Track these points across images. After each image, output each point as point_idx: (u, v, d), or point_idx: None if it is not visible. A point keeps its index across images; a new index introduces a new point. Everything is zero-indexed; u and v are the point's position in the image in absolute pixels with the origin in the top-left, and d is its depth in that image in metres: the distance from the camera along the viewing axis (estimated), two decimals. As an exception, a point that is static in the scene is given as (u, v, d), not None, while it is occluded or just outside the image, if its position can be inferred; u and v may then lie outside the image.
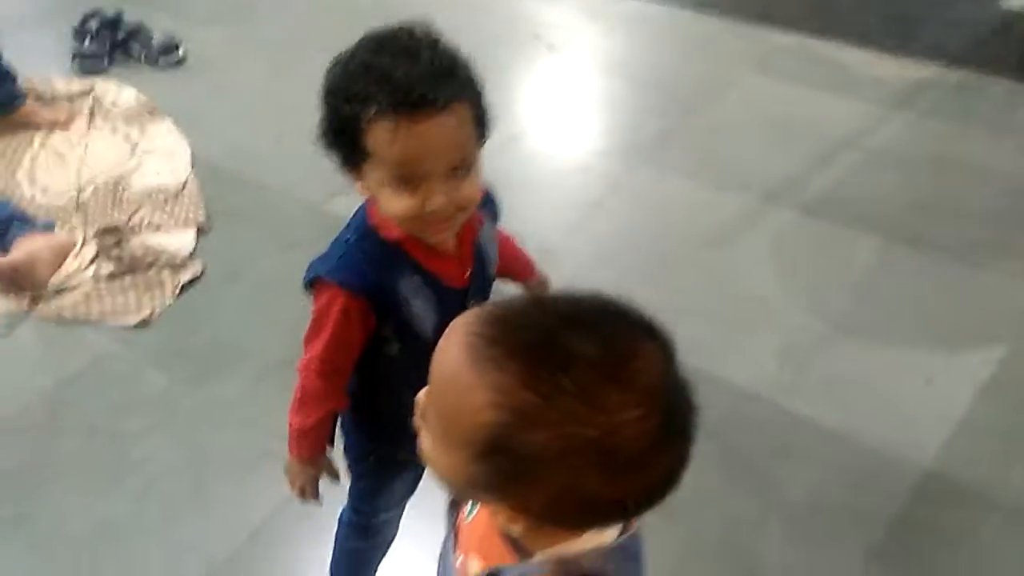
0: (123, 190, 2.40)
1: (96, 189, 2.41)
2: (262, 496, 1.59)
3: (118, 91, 2.81)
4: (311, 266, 1.02)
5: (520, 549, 0.71)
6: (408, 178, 0.91)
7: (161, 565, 1.53)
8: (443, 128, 0.90)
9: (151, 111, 2.73)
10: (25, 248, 2.08)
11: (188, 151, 2.55)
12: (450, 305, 1.02)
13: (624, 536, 0.71)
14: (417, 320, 1.03)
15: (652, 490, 0.63)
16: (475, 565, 0.76)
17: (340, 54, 0.94)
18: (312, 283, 1.02)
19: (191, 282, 2.12)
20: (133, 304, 2.06)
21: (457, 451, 0.64)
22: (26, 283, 2.07)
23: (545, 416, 0.59)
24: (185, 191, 2.39)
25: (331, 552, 1.37)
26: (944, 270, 2.04)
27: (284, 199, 2.40)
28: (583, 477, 0.60)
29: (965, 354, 1.85)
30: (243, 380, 1.86)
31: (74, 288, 2.10)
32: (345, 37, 0.95)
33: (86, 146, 2.60)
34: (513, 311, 0.65)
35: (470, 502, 0.81)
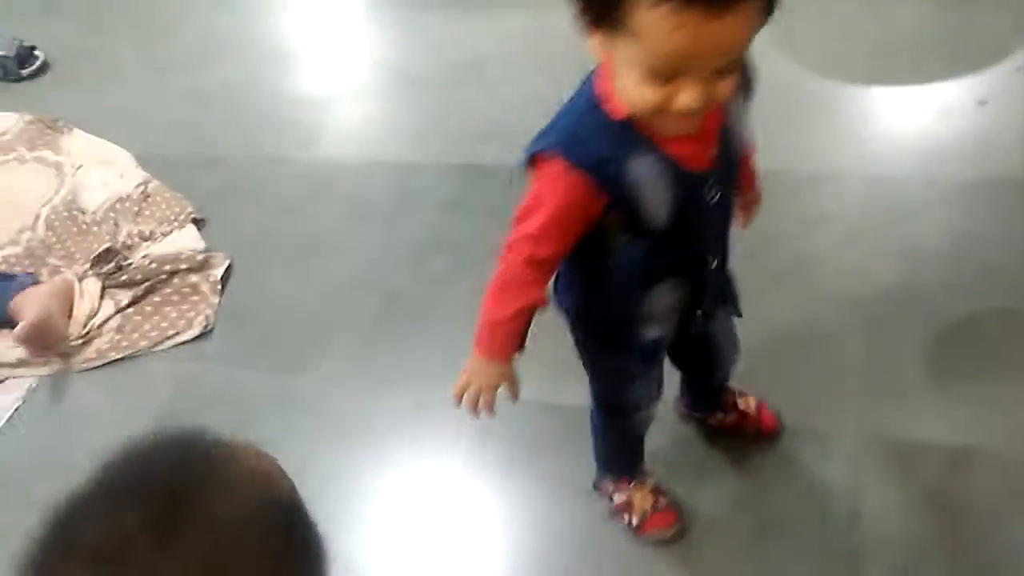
0: (80, 213, 2.14)
1: (48, 221, 2.13)
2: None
3: (-4, 119, 2.45)
4: (531, 143, 0.94)
5: None
6: (667, 72, 0.82)
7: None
8: (733, 29, 0.78)
9: (51, 126, 2.40)
10: (32, 305, 1.82)
11: (127, 153, 2.28)
12: (689, 191, 0.96)
13: None
14: (649, 207, 0.95)
15: None
16: None
17: None
18: (531, 159, 0.94)
19: (225, 275, 1.94)
20: (179, 319, 1.87)
21: None
22: (50, 341, 1.83)
23: None
24: (152, 193, 2.15)
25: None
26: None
27: (255, 163, 2.22)
28: None
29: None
30: (341, 346, 1.76)
31: (101, 327, 1.88)
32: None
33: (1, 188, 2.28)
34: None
35: None
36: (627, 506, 1.42)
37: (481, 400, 1.05)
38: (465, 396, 1.06)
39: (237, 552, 0.58)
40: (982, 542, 1.31)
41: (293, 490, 0.65)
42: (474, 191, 1.97)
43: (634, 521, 1.41)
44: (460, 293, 1.56)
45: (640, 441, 1.39)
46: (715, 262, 1.08)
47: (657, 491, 1.42)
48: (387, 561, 1.44)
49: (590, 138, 0.92)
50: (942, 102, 2.00)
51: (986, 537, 1.31)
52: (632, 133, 0.91)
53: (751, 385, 1.49)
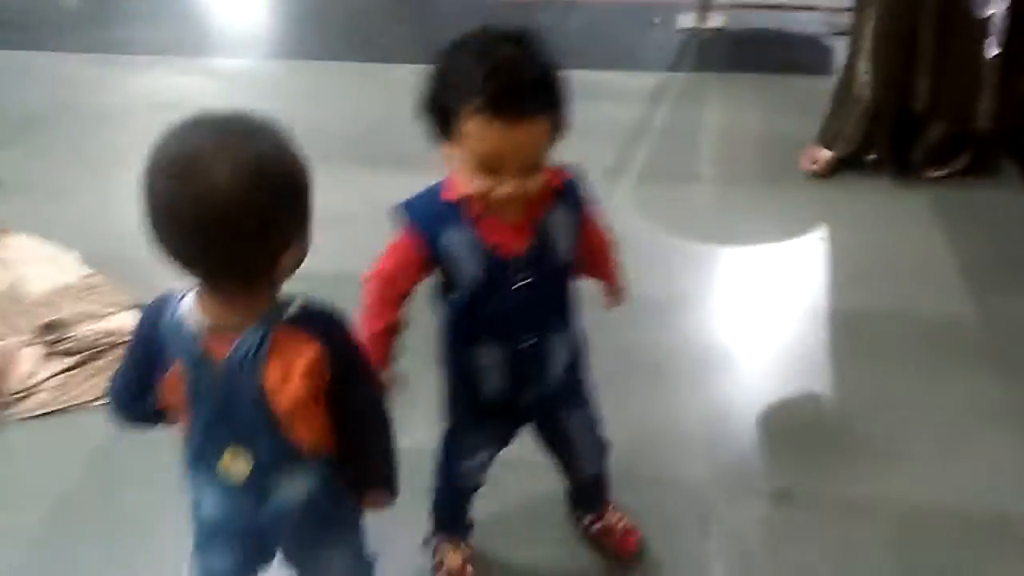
0: (24, 296, 2.33)
1: (-9, 302, 2.31)
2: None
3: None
4: (397, 208, 1.23)
5: None
6: (489, 166, 1.09)
7: None
8: (528, 135, 1.07)
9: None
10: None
11: (73, 252, 2.52)
12: (492, 268, 1.19)
13: None
14: (457, 272, 1.20)
15: None
16: None
17: (453, 40, 1.11)
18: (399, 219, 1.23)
19: (164, 350, 2.16)
20: (118, 381, 2.06)
21: None
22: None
23: None
24: (96, 284, 2.38)
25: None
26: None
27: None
28: None
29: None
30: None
31: (40, 384, 2.04)
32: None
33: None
34: None
35: None
36: (440, 565, 1.56)
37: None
38: None
39: (273, 172, 0.93)
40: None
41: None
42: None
43: None
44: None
45: (463, 501, 1.53)
46: (529, 341, 1.27)
47: (468, 560, 1.55)
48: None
49: (423, 209, 1.21)
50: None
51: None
52: (453, 212, 1.18)
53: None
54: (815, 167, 2.79)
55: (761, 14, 4.07)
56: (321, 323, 1.03)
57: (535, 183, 1.12)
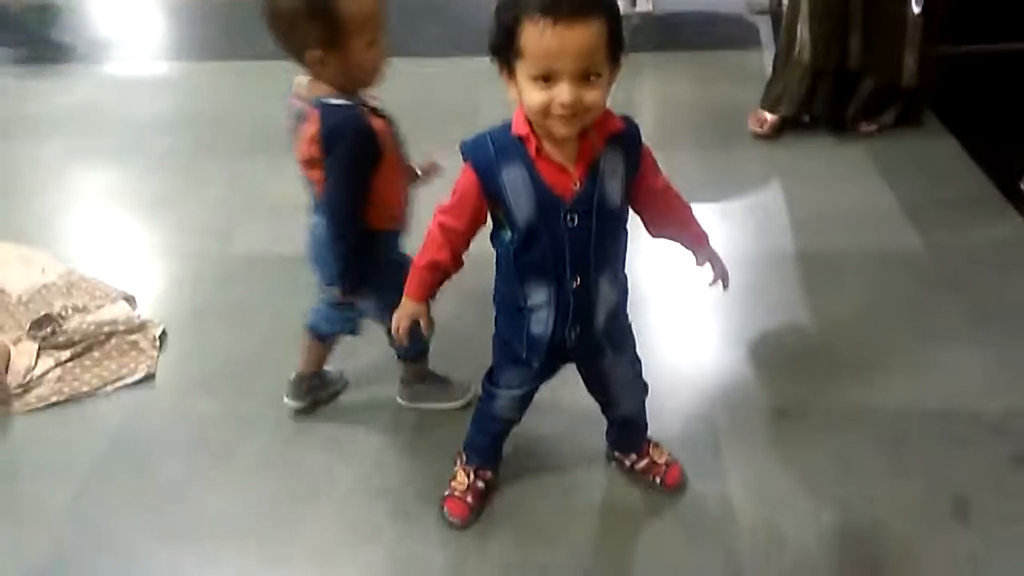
0: (8, 296, 2.29)
1: (-28, 303, 2.26)
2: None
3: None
4: (461, 145, 1.29)
5: None
6: (545, 75, 1.14)
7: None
8: (579, 33, 1.11)
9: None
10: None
11: (44, 251, 2.49)
12: (548, 209, 1.24)
13: None
14: (513, 209, 1.26)
15: None
16: None
17: None
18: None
19: (162, 337, 2.17)
20: (121, 368, 2.06)
21: None
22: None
23: None
24: (77, 280, 2.36)
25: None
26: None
27: (177, 256, 2.52)
28: None
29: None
30: (282, 371, 2.02)
31: (41, 378, 2.03)
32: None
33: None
34: None
35: None
36: (452, 478, 1.66)
37: (400, 327, 1.41)
38: (394, 324, 1.42)
39: None
40: None
41: None
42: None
43: (444, 493, 1.65)
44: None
45: (493, 434, 1.62)
46: (576, 282, 1.32)
47: (475, 483, 1.63)
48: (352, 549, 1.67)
49: (485, 146, 1.26)
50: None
51: None
52: (517, 147, 1.23)
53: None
54: (761, 129, 2.98)
55: (685, -4, 4.29)
56: (325, 113, 1.45)
57: (592, 96, 1.15)
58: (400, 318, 1.42)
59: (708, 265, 1.50)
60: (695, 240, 1.48)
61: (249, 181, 2.88)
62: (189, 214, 2.72)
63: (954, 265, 2.34)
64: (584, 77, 1.14)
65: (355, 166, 1.47)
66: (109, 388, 2.01)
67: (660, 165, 1.38)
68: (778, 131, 3.00)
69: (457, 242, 1.35)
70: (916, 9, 2.57)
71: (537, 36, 1.12)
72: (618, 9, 1.17)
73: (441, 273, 1.39)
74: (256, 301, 2.30)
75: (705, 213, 2.58)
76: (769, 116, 2.99)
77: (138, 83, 3.82)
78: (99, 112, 3.49)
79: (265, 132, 3.18)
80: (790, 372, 2.00)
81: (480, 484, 1.66)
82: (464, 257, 1.39)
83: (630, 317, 1.52)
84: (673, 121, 3.22)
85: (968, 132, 2.96)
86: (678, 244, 1.49)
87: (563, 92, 1.14)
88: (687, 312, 2.20)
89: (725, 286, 1.50)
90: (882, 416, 1.86)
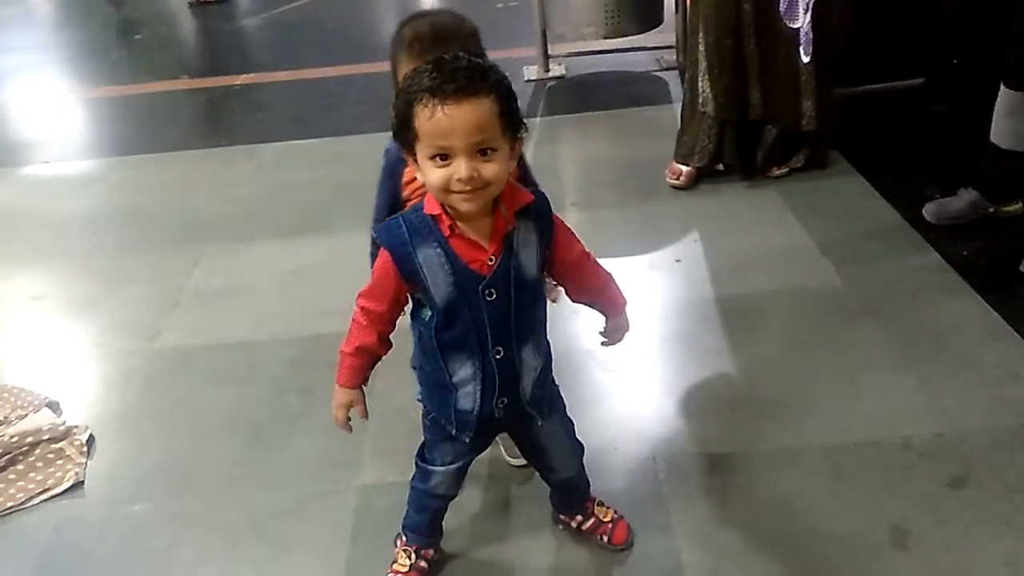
0: (-80, 415, 2.20)
1: None
2: None
3: None
4: (376, 231, 1.34)
5: None
6: (441, 153, 1.18)
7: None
8: (467, 111, 1.15)
9: None
10: None
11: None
12: (466, 286, 1.27)
13: None
14: (432, 288, 1.28)
15: None
16: None
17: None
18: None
19: (89, 442, 2.10)
20: (47, 479, 1.99)
21: None
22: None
23: None
24: (-2, 391, 2.29)
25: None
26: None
27: (102, 358, 2.46)
28: None
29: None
30: (219, 468, 1.98)
31: (-39, 496, 1.94)
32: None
33: None
34: None
35: None
36: (393, 562, 1.63)
37: (338, 416, 1.43)
38: (335, 415, 1.43)
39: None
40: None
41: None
42: (315, 350, 2.36)
43: None
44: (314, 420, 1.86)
45: (432, 511, 1.60)
46: (499, 354, 1.34)
47: (418, 563, 1.61)
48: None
49: (398, 229, 1.29)
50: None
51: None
52: (431, 227, 1.26)
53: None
54: (678, 181, 3.08)
55: (596, 59, 4.44)
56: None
57: (492, 170, 1.18)
58: (336, 407, 1.43)
59: (611, 331, 1.52)
60: (611, 307, 1.51)
61: (172, 273, 2.84)
62: (114, 313, 2.67)
63: (871, 296, 2.42)
64: (479, 152, 1.18)
65: None
66: (36, 501, 1.94)
67: (584, 223, 1.43)
68: (695, 181, 3.09)
69: (381, 324, 1.37)
70: (805, 59, 2.70)
71: (428, 117, 1.16)
72: (508, 84, 1.21)
73: (370, 357, 1.40)
74: (186, 396, 2.26)
75: (632, 267, 2.73)
76: (684, 168, 3.08)
77: (57, 183, 3.75)
78: (18, 218, 3.42)
79: (184, 222, 3.27)
80: (725, 418, 2.03)
81: (423, 564, 1.63)
82: (392, 339, 1.40)
83: (557, 380, 1.54)
84: (594, 179, 3.29)
85: (873, 168, 3.10)
86: (595, 310, 1.51)
87: (460, 168, 1.17)
88: (621, 366, 2.22)
89: (612, 343, 1.53)
90: (816, 452, 1.89)
